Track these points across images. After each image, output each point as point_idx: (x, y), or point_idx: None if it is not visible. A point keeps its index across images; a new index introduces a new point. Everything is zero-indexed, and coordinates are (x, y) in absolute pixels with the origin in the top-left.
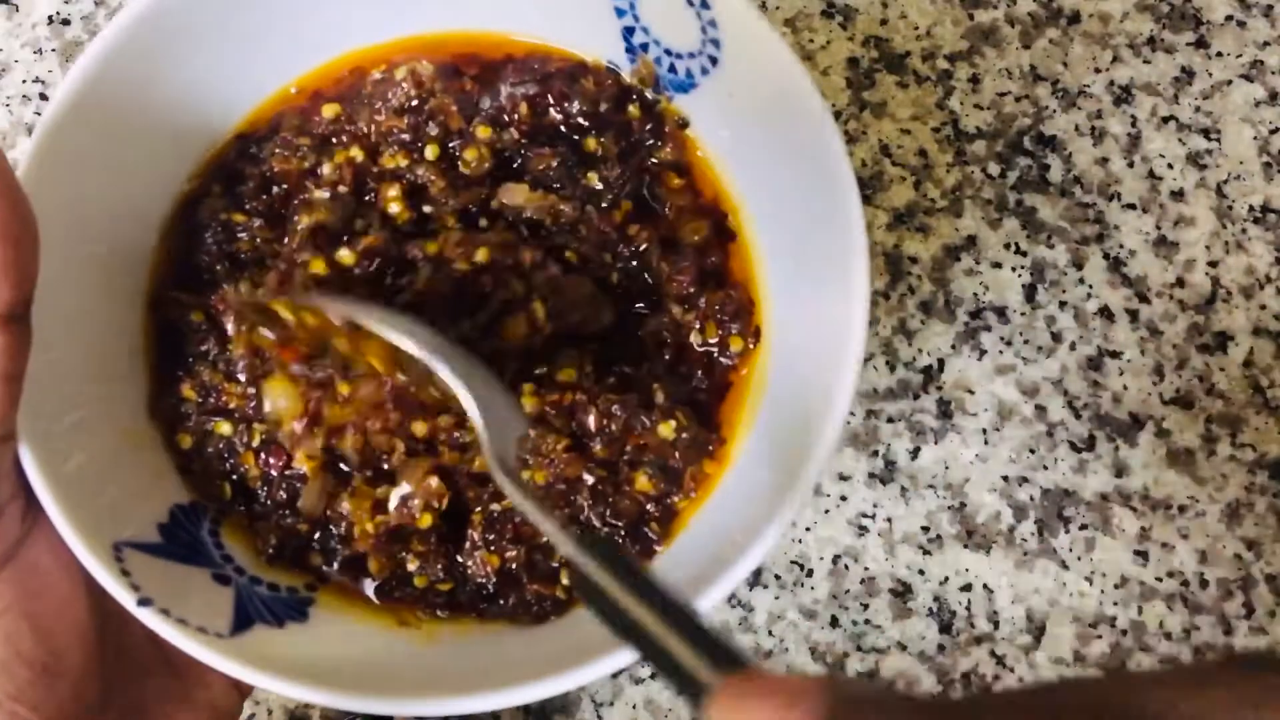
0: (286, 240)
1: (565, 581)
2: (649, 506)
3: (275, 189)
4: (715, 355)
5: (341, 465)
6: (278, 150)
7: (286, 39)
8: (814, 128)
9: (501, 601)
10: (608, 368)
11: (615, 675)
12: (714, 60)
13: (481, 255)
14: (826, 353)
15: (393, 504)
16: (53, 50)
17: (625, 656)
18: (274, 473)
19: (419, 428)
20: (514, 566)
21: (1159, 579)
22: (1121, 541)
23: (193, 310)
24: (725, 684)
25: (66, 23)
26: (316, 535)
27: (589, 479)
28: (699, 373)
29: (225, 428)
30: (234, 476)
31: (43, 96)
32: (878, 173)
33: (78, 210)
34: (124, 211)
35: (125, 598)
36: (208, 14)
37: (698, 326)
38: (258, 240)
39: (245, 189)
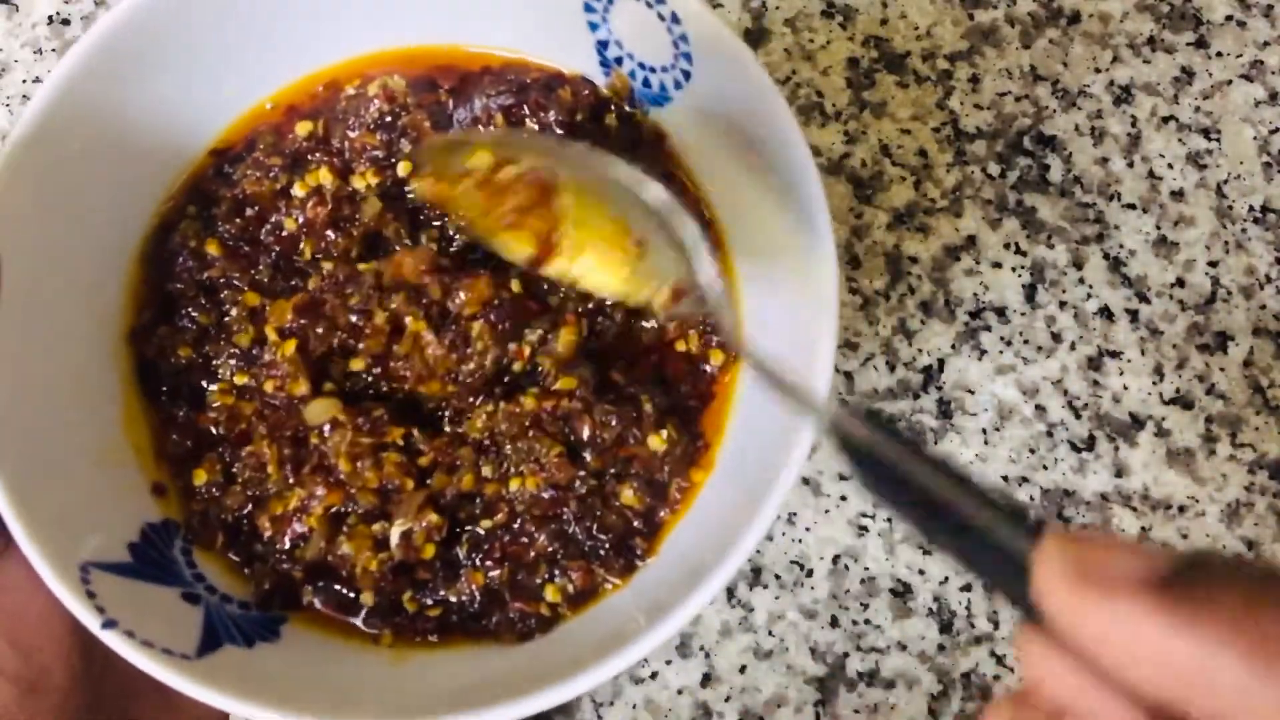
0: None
1: (550, 599)
2: (635, 521)
3: (248, 211)
4: (698, 365)
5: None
6: (249, 172)
7: (261, 54)
8: (784, 144)
9: (484, 621)
10: (603, 375)
11: (615, 675)
12: (687, 75)
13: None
14: (799, 362)
15: (394, 540)
16: (53, 50)
17: (603, 674)
18: (288, 535)
19: (424, 460)
20: (498, 585)
21: None
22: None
23: (177, 349)
24: (1051, 541)
25: (66, 23)
26: (314, 578)
27: (579, 488)
28: (684, 382)
29: (241, 498)
30: (235, 527)
31: None
32: (878, 173)
33: (49, 233)
34: (98, 234)
35: (90, 620)
36: (179, 30)
37: (684, 336)
38: (228, 273)
39: (219, 211)
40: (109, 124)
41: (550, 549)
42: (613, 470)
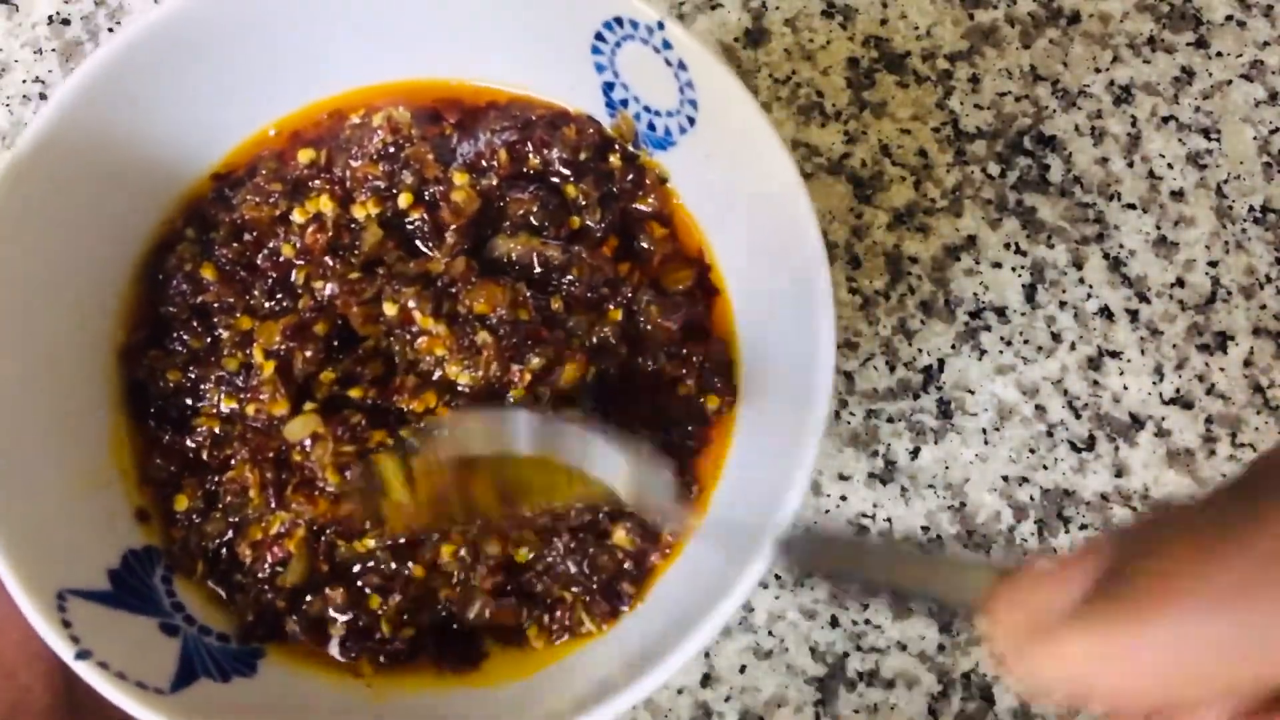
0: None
1: (530, 636)
2: (625, 563)
3: (246, 236)
4: (697, 407)
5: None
6: (249, 197)
7: (268, 80)
8: (785, 194)
9: (458, 649)
10: (602, 410)
11: None
12: (691, 120)
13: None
14: (793, 414)
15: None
16: (53, 50)
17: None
18: (267, 560)
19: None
20: (480, 607)
21: None
22: None
23: (166, 372)
24: (995, 597)
25: (66, 23)
26: (296, 607)
27: (574, 519)
28: (682, 423)
29: (222, 523)
30: (215, 555)
31: (42, 96)
32: (878, 173)
33: (44, 251)
34: (94, 254)
35: (64, 650)
36: (187, 53)
37: (683, 378)
38: (223, 297)
39: (217, 235)
40: (111, 144)
41: (535, 578)
42: (607, 508)
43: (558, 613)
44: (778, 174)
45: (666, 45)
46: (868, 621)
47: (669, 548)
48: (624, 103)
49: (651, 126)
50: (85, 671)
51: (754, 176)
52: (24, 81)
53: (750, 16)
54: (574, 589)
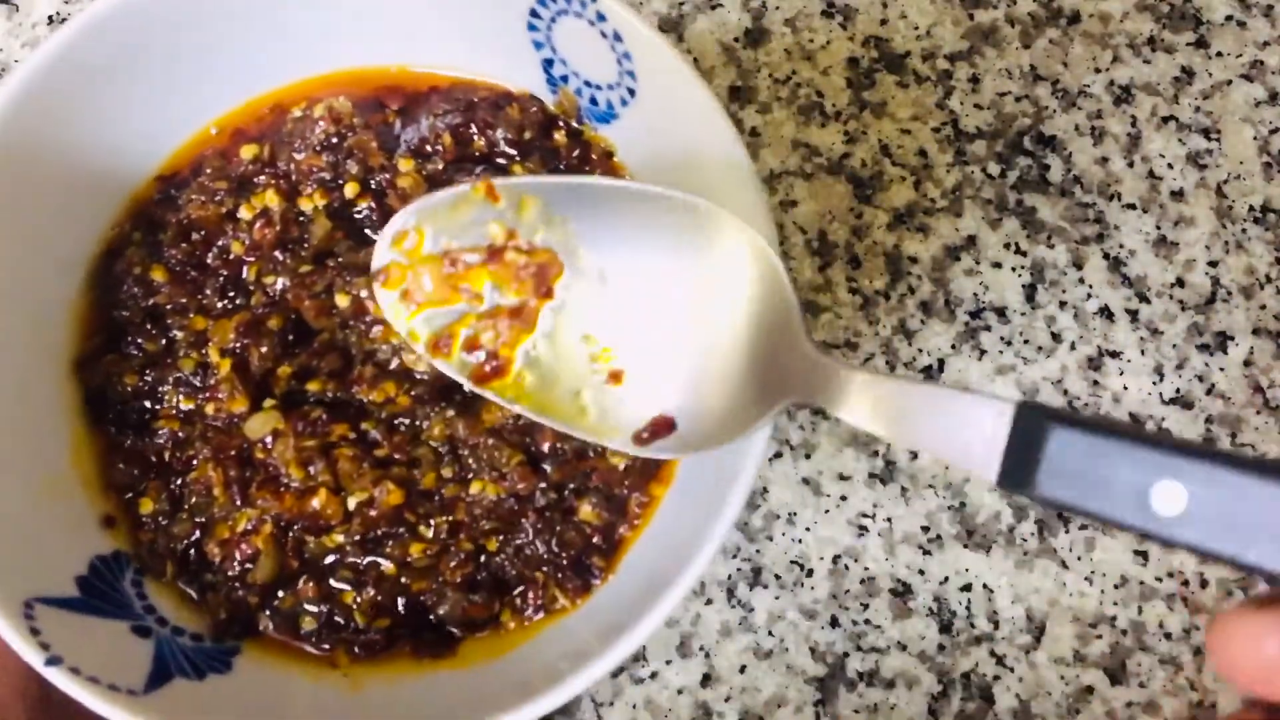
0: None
1: (502, 618)
2: (594, 538)
3: (195, 235)
4: None
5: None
6: (194, 196)
7: (206, 78)
8: (728, 162)
9: (433, 634)
10: None
11: (615, 675)
12: (632, 92)
13: None
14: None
15: (352, 508)
16: None
17: (565, 693)
18: (236, 558)
19: (381, 452)
20: (449, 593)
21: (1159, 579)
22: (1121, 541)
23: (124, 376)
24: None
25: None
26: (268, 603)
27: (540, 500)
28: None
29: (190, 525)
30: (184, 556)
31: None
32: (878, 173)
33: None
34: (43, 262)
35: (33, 657)
36: (123, 55)
37: None
38: (175, 298)
39: (165, 237)
40: (52, 152)
41: (508, 562)
42: (572, 485)
43: (530, 594)
44: (717, 133)
45: (601, 18)
46: (868, 621)
47: (637, 519)
48: (564, 79)
49: (594, 101)
50: (56, 677)
51: (696, 140)
52: None
53: (750, 16)
54: (544, 568)
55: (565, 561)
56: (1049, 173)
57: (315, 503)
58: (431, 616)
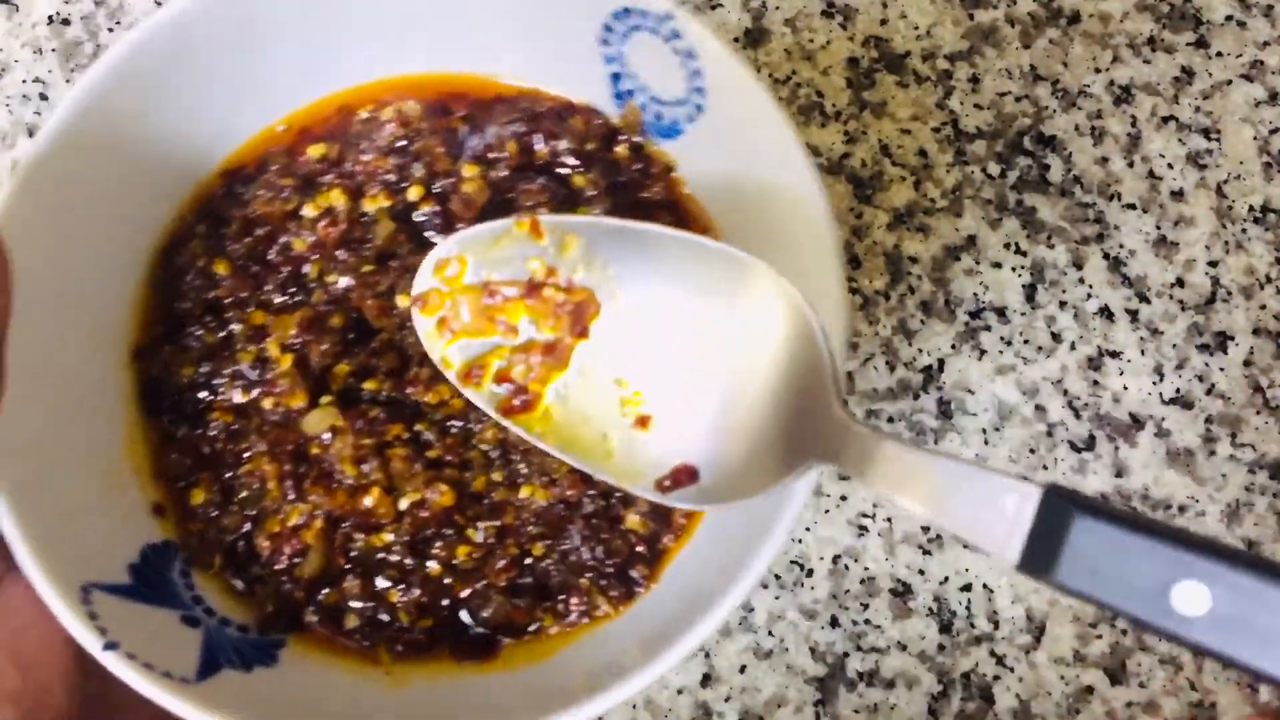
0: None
1: (545, 623)
2: (639, 547)
3: (258, 230)
4: None
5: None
6: (260, 192)
7: (276, 77)
8: (798, 182)
9: (477, 636)
10: None
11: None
12: (700, 109)
13: None
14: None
15: (404, 509)
16: (53, 50)
17: (607, 702)
18: (285, 552)
19: (433, 453)
20: (496, 596)
21: None
22: None
23: (181, 367)
24: None
25: (66, 23)
26: (315, 597)
27: (587, 506)
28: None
29: (240, 519)
30: (232, 548)
31: (42, 96)
32: (878, 173)
33: (58, 250)
34: (107, 252)
35: (91, 641)
36: (195, 51)
37: None
38: (236, 292)
39: (229, 231)
40: (122, 144)
41: (553, 568)
42: (619, 494)
43: (573, 600)
44: (789, 163)
45: (676, 35)
46: (868, 621)
47: (681, 530)
48: (631, 93)
49: (659, 116)
50: (113, 663)
51: (765, 165)
52: (24, 81)
53: (750, 16)
54: (588, 575)
55: (610, 569)
56: (1049, 173)
57: (368, 500)
58: (474, 619)
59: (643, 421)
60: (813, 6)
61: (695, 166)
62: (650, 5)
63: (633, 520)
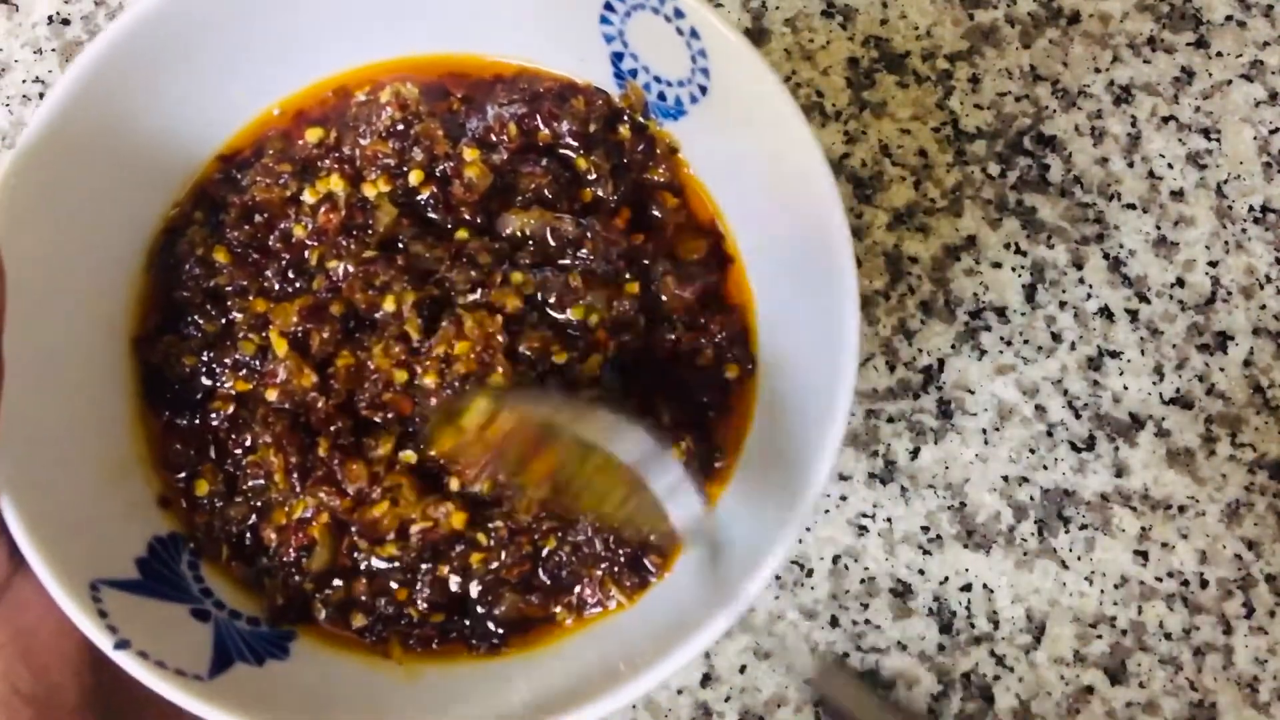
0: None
1: (558, 614)
2: (651, 536)
3: (257, 217)
4: (716, 377)
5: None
6: (259, 178)
7: (270, 59)
8: (802, 160)
9: (487, 628)
10: (622, 385)
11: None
12: (703, 89)
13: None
14: (818, 388)
15: (413, 533)
16: (53, 50)
17: (625, 696)
18: (292, 545)
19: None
20: (507, 590)
21: (1159, 579)
22: (1121, 541)
23: (182, 357)
24: None
25: (66, 23)
26: (324, 589)
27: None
28: (701, 394)
29: (245, 509)
30: (239, 539)
31: (43, 96)
32: (878, 173)
33: (54, 240)
34: (104, 242)
35: (103, 640)
36: (188, 35)
37: (701, 348)
38: (236, 280)
39: (227, 218)
40: (116, 130)
41: (565, 561)
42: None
43: (586, 590)
44: (795, 142)
45: (678, 14)
46: (868, 621)
47: None
48: (633, 73)
49: (662, 96)
50: (125, 661)
51: (769, 145)
52: (24, 81)
53: (750, 16)
54: (601, 566)
55: (623, 559)
56: (1049, 173)
57: (375, 512)
58: (487, 615)
59: None
60: (813, 6)
61: (698, 147)
62: None
63: None
